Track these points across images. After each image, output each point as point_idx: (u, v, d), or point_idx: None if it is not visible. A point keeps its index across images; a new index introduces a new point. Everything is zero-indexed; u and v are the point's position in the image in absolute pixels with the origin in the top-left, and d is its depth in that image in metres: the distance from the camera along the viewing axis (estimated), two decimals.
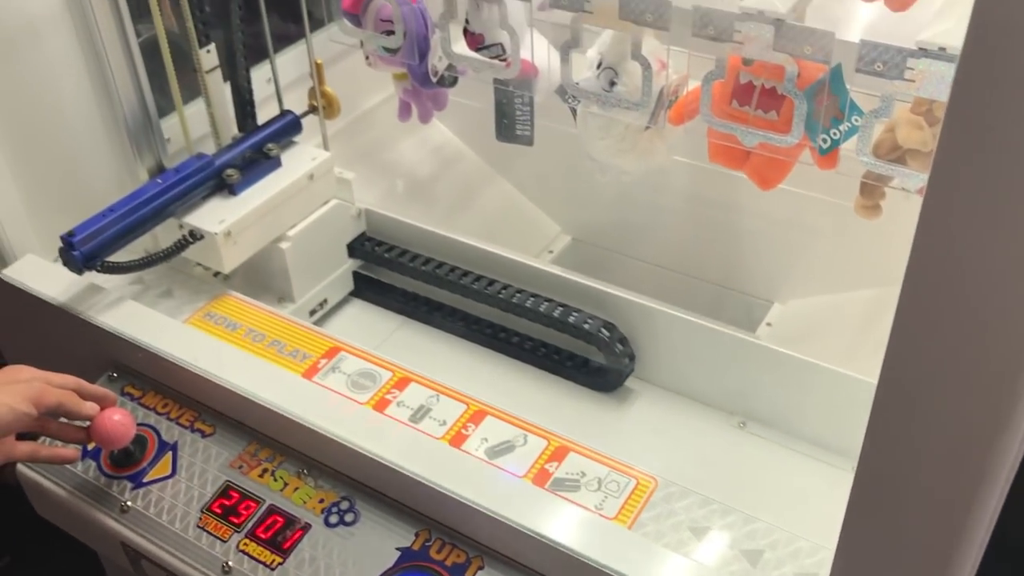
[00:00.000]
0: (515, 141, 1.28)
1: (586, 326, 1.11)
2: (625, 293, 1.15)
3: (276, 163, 1.18)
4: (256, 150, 1.18)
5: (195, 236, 1.10)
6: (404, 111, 1.40)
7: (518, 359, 1.19)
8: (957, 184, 0.50)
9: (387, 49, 1.28)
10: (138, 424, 1.00)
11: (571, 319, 1.12)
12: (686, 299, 1.54)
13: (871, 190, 1.09)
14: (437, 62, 1.27)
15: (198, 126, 1.25)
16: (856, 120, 1.04)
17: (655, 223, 1.54)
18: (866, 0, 1.41)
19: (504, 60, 1.21)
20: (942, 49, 0.91)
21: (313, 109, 1.29)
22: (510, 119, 1.27)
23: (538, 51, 1.20)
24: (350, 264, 1.28)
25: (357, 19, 1.30)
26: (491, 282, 1.18)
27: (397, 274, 1.25)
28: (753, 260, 1.50)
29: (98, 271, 1.05)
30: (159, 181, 1.10)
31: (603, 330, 1.12)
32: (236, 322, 1.08)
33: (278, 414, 0.93)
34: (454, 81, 1.31)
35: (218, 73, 1.23)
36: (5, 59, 1.11)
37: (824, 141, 1.06)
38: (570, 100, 1.19)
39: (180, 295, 1.14)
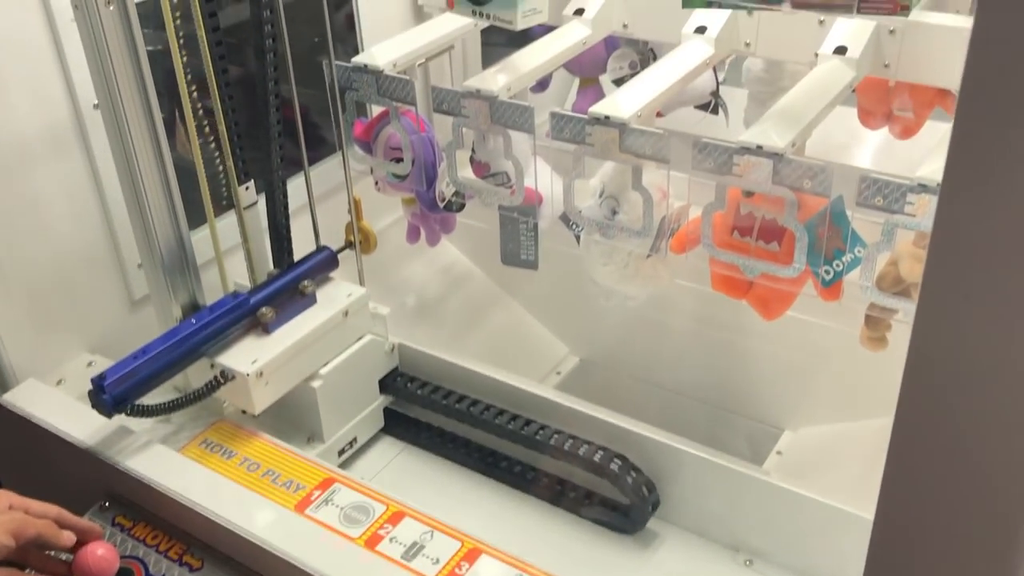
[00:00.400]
0: (520, 265, 1.28)
1: (630, 479, 1.08)
2: (649, 431, 1.12)
3: (311, 300, 1.17)
4: (291, 287, 1.16)
5: (226, 376, 1.07)
6: (412, 234, 1.41)
7: (535, 495, 1.16)
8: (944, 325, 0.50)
9: (396, 175, 1.30)
10: (127, 556, 0.98)
11: (614, 467, 1.08)
12: (694, 425, 1.51)
13: (876, 322, 1.08)
14: (445, 188, 1.28)
15: (225, 238, 1.25)
16: (859, 251, 1.03)
17: (663, 345, 1.52)
18: (871, 128, 1.44)
19: (509, 187, 1.23)
20: (940, 185, 0.90)
21: (350, 244, 1.28)
22: (515, 244, 1.28)
23: (542, 179, 1.21)
24: (381, 400, 1.23)
25: (368, 146, 1.32)
26: (528, 422, 1.15)
27: (430, 411, 1.21)
28: (763, 385, 1.47)
29: (127, 415, 1.02)
30: (193, 321, 1.08)
31: (645, 489, 1.08)
32: (232, 450, 1.07)
33: (266, 550, 0.91)
34: (461, 206, 1.32)
35: (255, 209, 1.23)
36: (21, 183, 1.14)
37: (827, 273, 1.05)
38: (574, 227, 1.20)
39: (178, 421, 1.13)
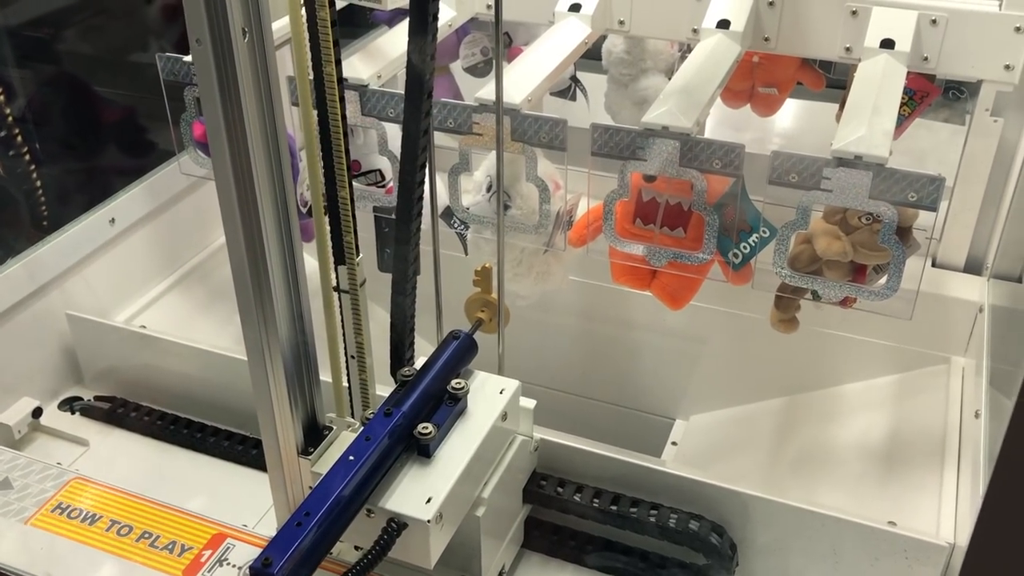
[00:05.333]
0: None
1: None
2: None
3: (463, 404, 0.89)
4: (438, 391, 0.88)
5: (398, 526, 0.78)
6: None
7: None
8: None
9: None
10: None
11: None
12: (585, 423, 1.46)
13: (787, 304, 1.05)
14: (306, 191, 1.16)
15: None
16: (764, 232, 0.99)
17: (545, 343, 1.46)
18: (732, 107, 1.42)
19: (383, 187, 1.12)
20: (858, 157, 0.88)
21: (479, 324, 1.02)
22: (392, 248, 1.17)
23: None
24: (524, 511, 0.98)
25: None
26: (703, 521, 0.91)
27: (580, 518, 0.96)
28: (648, 376, 1.43)
29: None
30: (351, 459, 0.78)
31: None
32: (96, 513, 0.90)
33: None
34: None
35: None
36: None
37: (735, 256, 1.01)
38: (457, 226, 1.11)
39: (21, 484, 0.95)
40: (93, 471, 1.00)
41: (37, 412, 1.11)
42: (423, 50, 0.78)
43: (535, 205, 1.04)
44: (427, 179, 0.97)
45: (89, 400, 1.16)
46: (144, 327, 1.20)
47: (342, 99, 0.78)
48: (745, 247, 1.01)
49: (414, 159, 0.83)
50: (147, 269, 1.30)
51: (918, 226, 0.94)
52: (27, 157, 1.06)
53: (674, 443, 1.36)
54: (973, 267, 1.24)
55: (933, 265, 1.26)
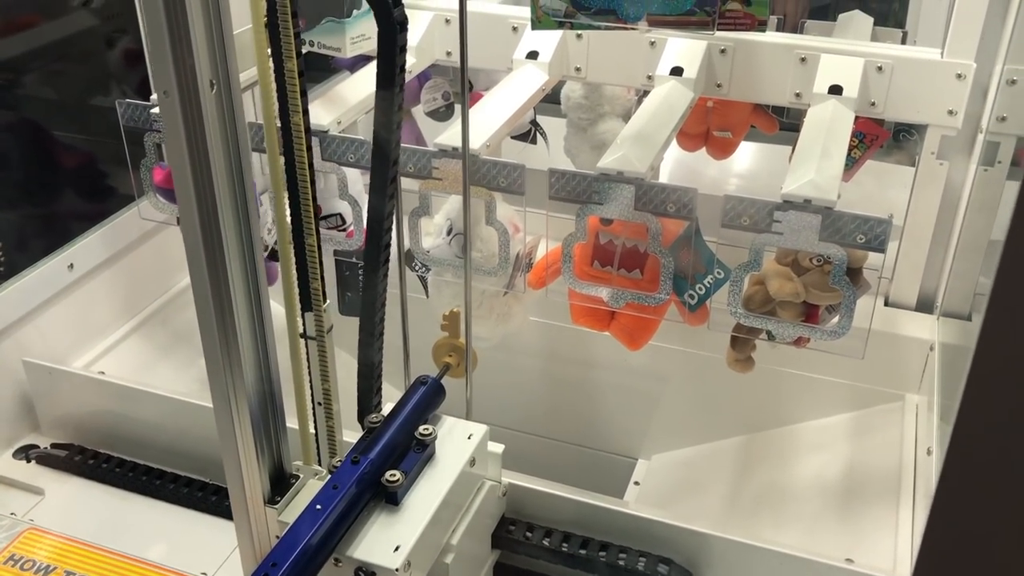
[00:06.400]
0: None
1: None
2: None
3: (431, 450, 0.88)
4: (406, 437, 0.87)
5: (367, 575, 0.78)
6: None
7: None
8: None
9: None
10: None
11: None
12: (547, 464, 1.46)
13: (743, 344, 1.07)
14: (267, 236, 1.16)
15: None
16: (719, 273, 1.01)
17: (507, 385, 1.46)
18: (688, 150, 1.45)
19: (344, 231, 1.13)
20: (807, 201, 0.90)
21: (447, 368, 1.00)
22: (355, 292, 1.18)
23: None
24: (493, 558, 0.97)
25: (171, 194, 1.18)
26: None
27: (551, 563, 0.96)
28: (610, 416, 1.44)
29: None
30: (318, 507, 0.77)
31: None
32: (51, 564, 0.89)
33: None
34: None
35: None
36: None
37: (691, 297, 1.03)
38: (418, 268, 1.12)
39: None
40: (48, 521, 0.99)
41: None
42: (390, 101, 0.79)
43: (495, 248, 1.06)
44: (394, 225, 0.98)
45: (46, 448, 1.15)
46: (103, 373, 1.20)
47: (309, 148, 0.78)
48: (700, 288, 1.02)
49: (382, 206, 0.84)
50: (106, 314, 1.30)
51: (869, 266, 0.97)
52: None
53: (636, 483, 1.36)
54: (924, 306, 1.27)
55: (886, 304, 1.28)
